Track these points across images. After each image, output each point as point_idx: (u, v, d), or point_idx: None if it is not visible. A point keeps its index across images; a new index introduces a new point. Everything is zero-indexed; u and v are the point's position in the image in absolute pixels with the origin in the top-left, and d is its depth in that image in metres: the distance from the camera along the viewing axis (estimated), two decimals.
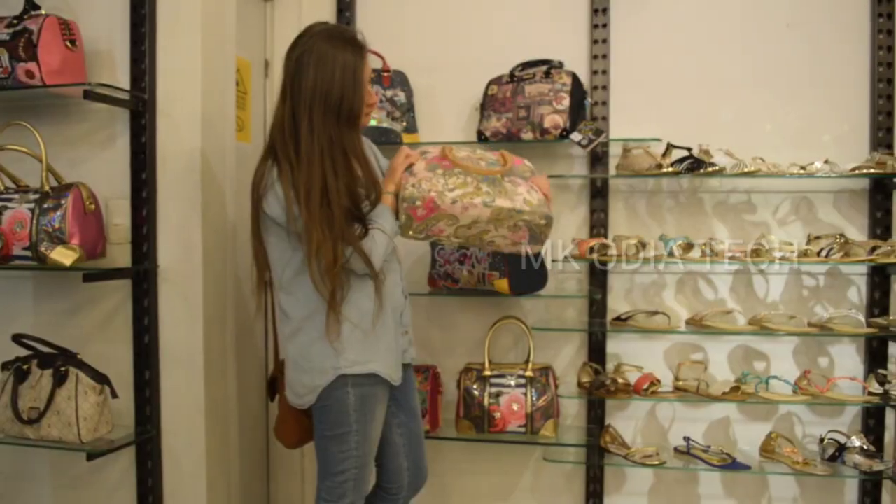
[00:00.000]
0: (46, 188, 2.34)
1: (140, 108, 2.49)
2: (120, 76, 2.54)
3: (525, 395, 2.75)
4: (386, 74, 2.89)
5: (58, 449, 2.39)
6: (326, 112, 2.00)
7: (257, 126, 3.09)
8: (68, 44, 2.39)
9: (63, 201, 2.31)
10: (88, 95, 2.34)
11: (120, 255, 2.54)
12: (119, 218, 2.55)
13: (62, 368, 2.35)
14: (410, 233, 2.11)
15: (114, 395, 2.42)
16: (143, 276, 2.51)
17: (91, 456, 2.32)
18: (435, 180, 2.09)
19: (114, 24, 2.53)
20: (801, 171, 2.68)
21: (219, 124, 2.66)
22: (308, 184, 1.96)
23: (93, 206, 2.39)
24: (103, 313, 2.59)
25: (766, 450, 2.75)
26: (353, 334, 2.05)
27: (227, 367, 2.76)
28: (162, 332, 2.56)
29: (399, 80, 2.93)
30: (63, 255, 2.26)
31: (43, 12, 2.39)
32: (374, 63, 2.92)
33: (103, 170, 2.56)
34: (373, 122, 2.84)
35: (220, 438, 2.69)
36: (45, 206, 2.30)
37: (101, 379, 2.38)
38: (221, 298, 2.70)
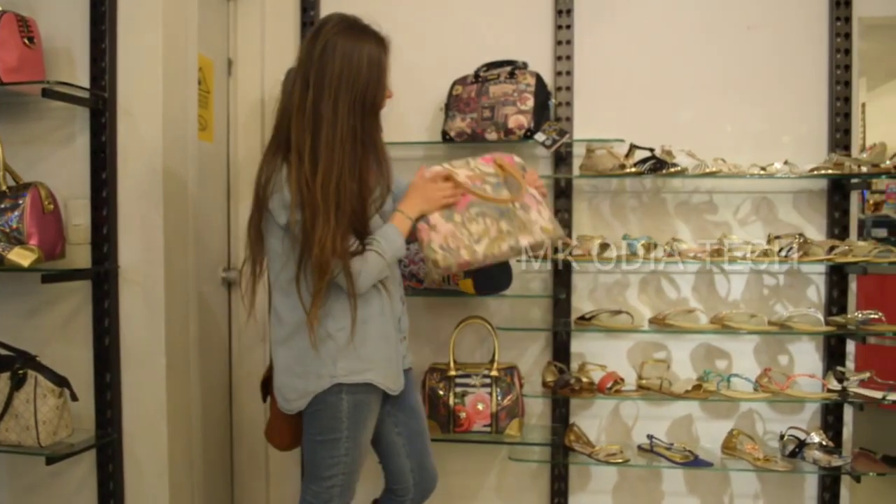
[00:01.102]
0: (4, 188, 2.30)
1: (100, 106, 2.45)
2: (79, 74, 2.50)
3: (490, 394, 2.76)
4: None
5: (16, 453, 2.35)
6: (352, 101, 1.97)
7: (220, 125, 3.07)
8: (26, 41, 2.35)
9: (21, 201, 2.27)
10: (47, 94, 2.30)
11: (80, 255, 2.51)
12: (79, 218, 2.51)
13: (20, 371, 2.30)
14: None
15: (73, 397, 2.38)
16: (103, 276, 2.48)
17: (50, 460, 2.28)
18: (459, 234, 2.09)
19: (73, 22, 2.49)
20: (762, 172, 2.71)
21: (180, 123, 2.64)
22: (325, 174, 1.92)
23: (51, 206, 2.35)
24: (63, 315, 2.55)
25: (728, 447, 2.79)
26: (350, 344, 2.02)
27: (190, 368, 2.73)
28: (123, 333, 2.53)
29: None
30: (21, 256, 2.22)
31: (0, 8, 2.34)
32: None
33: (62, 169, 2.52)
34: None
35: (182, 441, 2.67)
36: (3, 206, 2.27)
37: (60, 381, 2.34)
38: (183, 299, 2.67)
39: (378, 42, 2.06)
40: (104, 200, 2.47)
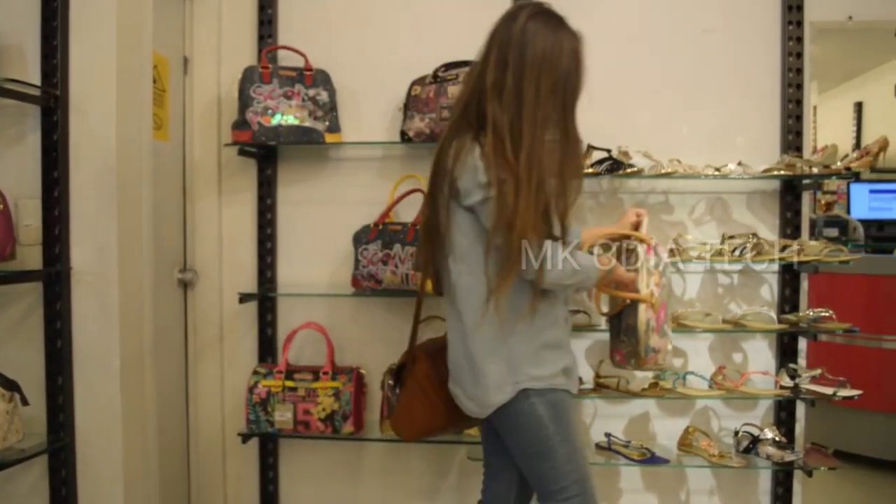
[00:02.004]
0: None
1: (51, 104, 2.40)
2: (30, 71, 2.43)
3: None
4: (308, 73, 2.86)
5: None
6: (553, 85, 1.92)
7: (175, 124, 3.02)
8: None
9: None
10: None
11: (30, 256, 2.44)
12: (29, 218, 2.45)
13: None
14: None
15: (24, 402, 2.32)
16: (54, 278, 2.42)
17: (0, 466, 2.22)
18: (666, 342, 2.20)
19: (24, 18, 2.42)
20: (716, 173, 2.75)
21: (135, 122, 2.59)
22: (529, 151, 1.87)
23: (1, 206, 2.30)
24: (13, 317, 2.49)
25: (684, 444, 2.82)
26: (529, 347, 1.97)
27: (145, 370, 2.68)
28: (75, 335, 2.47)
29: (321, 78, 2.90)
30: None
31: None
32: (295, 61, 2.89)
33: (12, 168, 2.45)
34: (295, 121, 2.81)
35: (137, 444, 2.62)
36: None
37: (10, 385, 2.29)
38: (138, 300, 2.62)
39: (574, 36, 2.01)
40: (56, 200, 2.42)
